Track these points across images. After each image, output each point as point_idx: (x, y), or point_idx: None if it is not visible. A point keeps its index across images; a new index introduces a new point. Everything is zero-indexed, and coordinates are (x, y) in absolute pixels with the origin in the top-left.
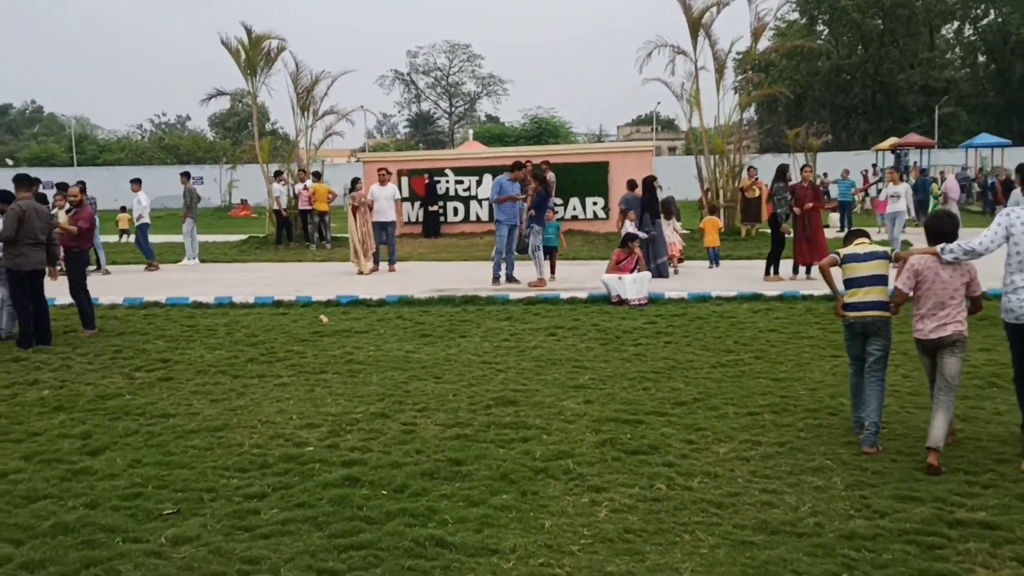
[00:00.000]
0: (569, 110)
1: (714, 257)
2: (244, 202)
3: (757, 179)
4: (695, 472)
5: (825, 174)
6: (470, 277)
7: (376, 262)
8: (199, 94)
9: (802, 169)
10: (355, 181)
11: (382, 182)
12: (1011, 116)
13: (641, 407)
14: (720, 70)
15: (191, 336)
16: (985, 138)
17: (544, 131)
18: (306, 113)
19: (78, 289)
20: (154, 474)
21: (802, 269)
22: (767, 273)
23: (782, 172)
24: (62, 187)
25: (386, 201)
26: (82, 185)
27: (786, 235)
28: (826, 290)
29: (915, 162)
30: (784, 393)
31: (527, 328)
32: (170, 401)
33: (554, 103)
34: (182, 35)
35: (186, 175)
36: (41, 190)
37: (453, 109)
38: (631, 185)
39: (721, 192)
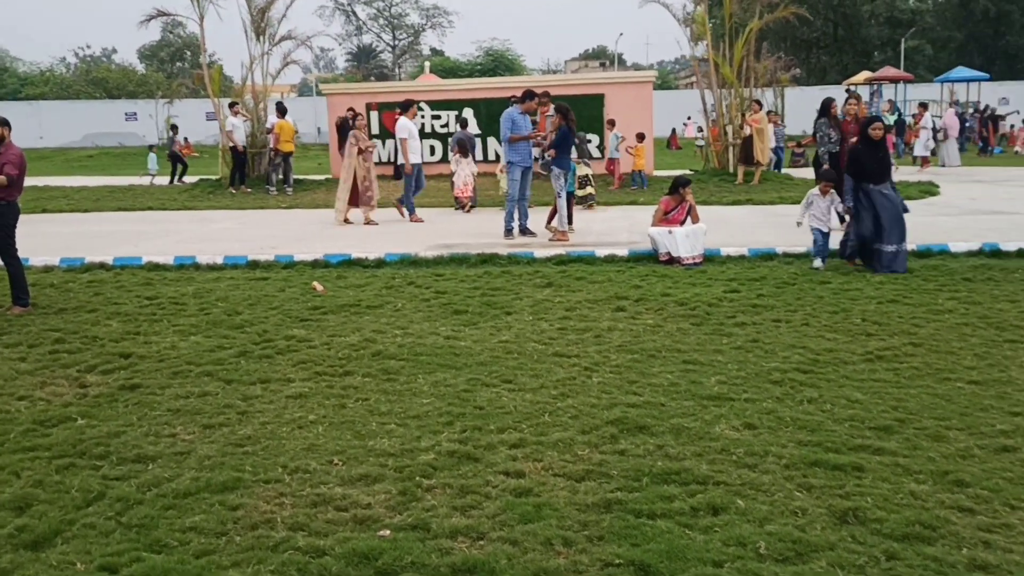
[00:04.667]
0: (516, 44)
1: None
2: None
3: (744, 115)
4: None
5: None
6: (472, 228)
7: (412, 211)
8: (125, 25)
9: (846, 101)
10: (356, 115)
11: (412, 115)
12: (973, 51)
13: (831, 435)
14: None
15: (154, 313)
16: (961, 72)
17: (500, 65)
18: (261, 38)
19: (7, 251)
20: None
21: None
22: None
23: (826, 107)
24: None
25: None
26: (2, 120)
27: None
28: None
29: (889, 99)
30: (1011, 406)
31: (582, 299)
32: (142, 429)
33: (500, 36)
34: None
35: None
36: None
37: (397, 42)
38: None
39: (730, 128)
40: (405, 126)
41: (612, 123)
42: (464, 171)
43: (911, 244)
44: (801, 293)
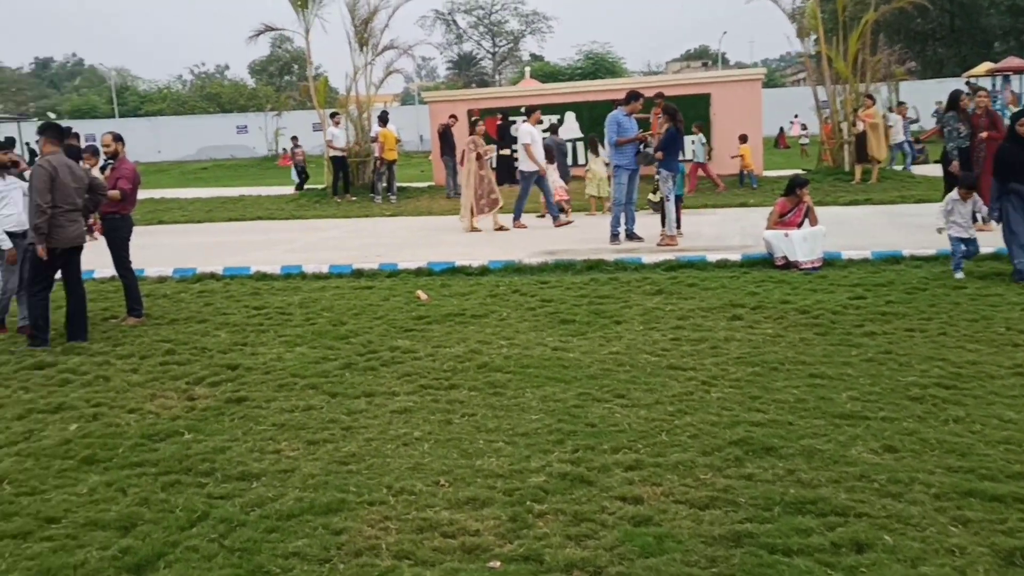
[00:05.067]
0: (616, 46)
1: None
2: (292, 148)
3: (856, 111)
4: None
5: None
6: (576, 234)
7: (518, 216)
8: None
9: (974, 94)
10: (475, 121)
11: (535, 120)
12: None
13: (984, 460)
14: None
15: (261, 324)
16: None
17: (600, 68)
18: (364, 48)
19: (122, 264)
20: None
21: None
22: None
23: (954, 99)
24: (91, 150)
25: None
26: (115, 135)
27: (956, 173)
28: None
29: (1012, 90)
30: None
31: (695, 308)
32: (247, 444)
33: (600, 39)
34: None
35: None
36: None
37: (496, 49)
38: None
39: (844, 124)
40: (528, 131)
41: (700, 127)
42: (552, 177)
43: None
44: (934, 299)
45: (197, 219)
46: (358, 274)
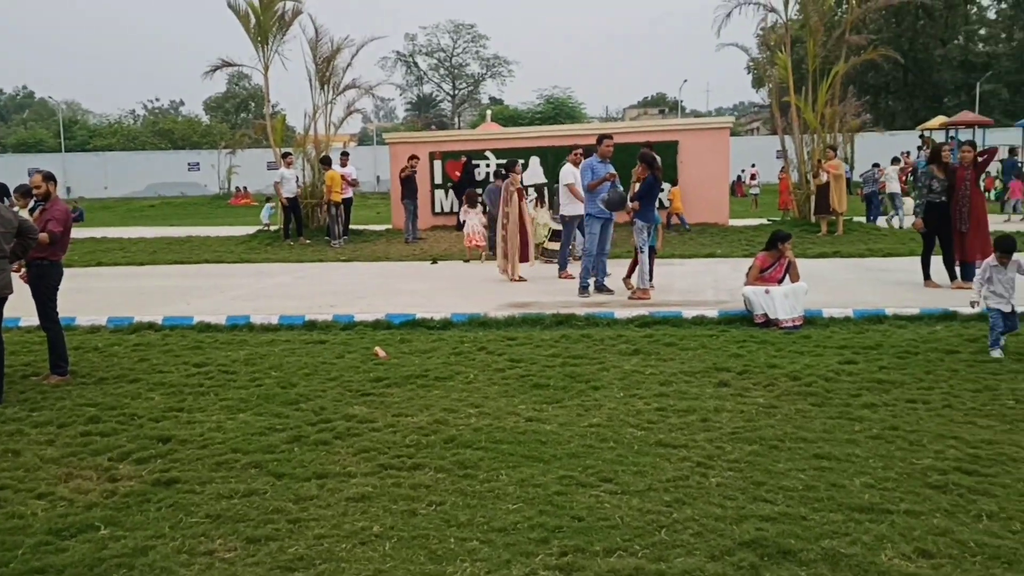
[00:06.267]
0: (575, 92)
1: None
2: (245, 189)
3: (820, 161)
4: None
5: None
6: (542, 285)
7: (564, 267)
8: (194, 79)
9: (959, 147)
10: (512, 162)
11: (576, 162)
12: None
13: None
14: (814, 32)
15: (200, 384)
16: None
17: (561, 112)
18: (325, 87)
19: (48, 315)
20: None
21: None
22: (926, 277)
23: (937, 152)
24: (22, 190)
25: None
26: (46, 174)
27: (919, 231)
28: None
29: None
30: None
31: (677, 371)
32: (175, 543)
33: (559, 84)
34: (177, 16)
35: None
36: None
37: (456, 91)
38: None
39: (809, 176)
40: (571, 171)
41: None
42: (472, 221)
43: None
44: (929, 365)
45: (139, 261)
46: (310, 326)
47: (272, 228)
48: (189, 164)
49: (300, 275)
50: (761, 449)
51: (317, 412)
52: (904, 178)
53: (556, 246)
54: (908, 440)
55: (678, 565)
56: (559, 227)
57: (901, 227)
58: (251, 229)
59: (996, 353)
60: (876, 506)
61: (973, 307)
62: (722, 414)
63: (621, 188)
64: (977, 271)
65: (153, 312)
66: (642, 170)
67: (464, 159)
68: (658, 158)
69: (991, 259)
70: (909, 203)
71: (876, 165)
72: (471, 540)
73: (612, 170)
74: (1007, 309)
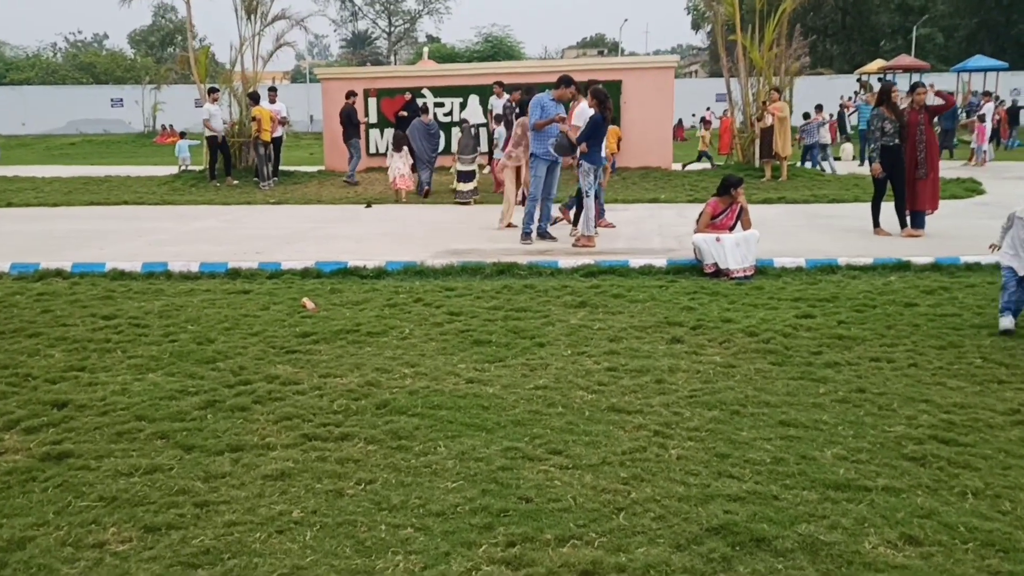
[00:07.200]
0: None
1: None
2: (171, 127)
3: (765, 103)
4: None
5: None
6: (481, 230)
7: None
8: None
9: (912, 90)
10: (523, 101)
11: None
12: (984, 40)
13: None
14: None
15: (107, 340)
16: (980, 60)
17: (499, 51)
18: (253, 17)
19: None
20: None
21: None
22: (875, 225)
23: (886, 93)
24: None
25: None
26: None
27: (876, 176)
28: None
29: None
30: None
31: (626, 326)
32: (60, 532)
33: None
34: None
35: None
36: None
37: (392, 29)
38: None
39: (752, 120)
40: (584, 112)
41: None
42: (396, 164)
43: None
44: (889, 320)
45: (52, 202)
46: (234, 274)
47: (193, 168)
48: (112, 100)
49: (226, 218)
50: (722, 415)
51: (236, 372)
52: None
53: (465, 187)
54: (877, 404)
55: (640, 557)
56: (466, 168)
57: (834, 172)
58: (175, 169)
59: (1007, 322)
60: (852, 483)
61: (991, 250)
62: (677, 374)
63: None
64: (1005, 221)
65: (62, 258)
66: (592, 105)
67: (408, 95)
68: (610, 96)
69: (1019, 209)
70: (848, 148)
71: (806, 116)
72: (405, 527)
73: (563, 112)
74: (1021, 272)
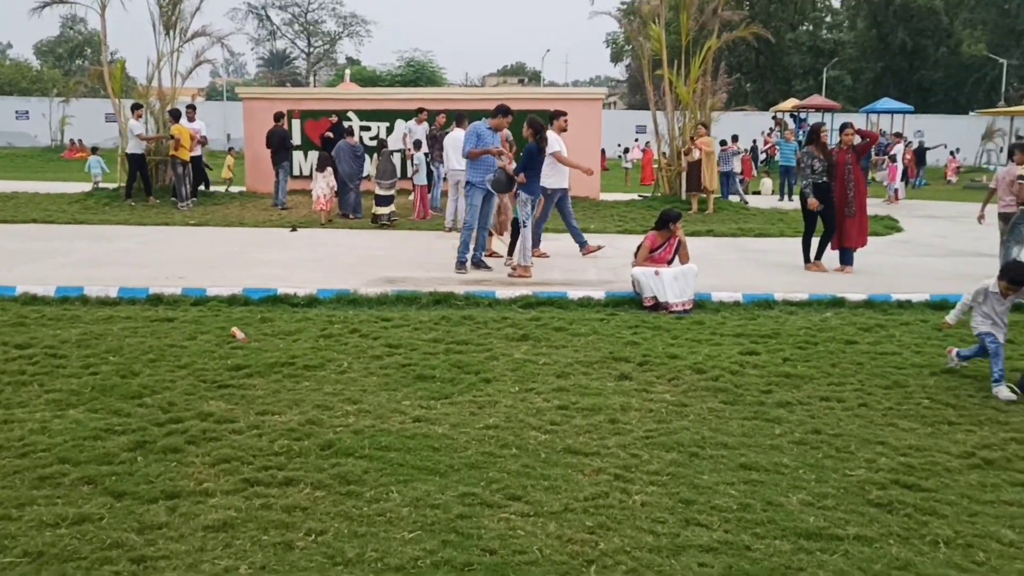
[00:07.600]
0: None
1: None
2: (80, 142)
3: (692, 138)
4: None
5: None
6: (414, 257)
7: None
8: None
9: (841, 130)
10: (541, 126)
11: (560, 128)
12: (889, 83)
13: None
14: (688, 5)
15: (22, 372)
16: (887, 103)
17: (421, 76)
18: (171, 33)
19: None
20: None
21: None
22: (806, 260)
23: (816, 132)
24: None
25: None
26: None
27: (814, 210)
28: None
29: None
30: None
31: (572, 361)
32: None
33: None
34: None
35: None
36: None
37: (312, 49)
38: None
39: (680, 153)
40: (557, 139)
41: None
42: (319, 184)
43: (925, 294)
44: (832, 357)
45: None
46: (155, 300)
47: (106, 185)
48: (17, 112)
49: (143, 240)
50: (681, 458)
51: (165, 409)
52: (771, 154)
53: (382, 211)
54: (834, 446)
55: None
56: (384, 193)
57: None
58: (87, 186)
59: (1003, 392)
60: (823, 531)
61: (943, 329)
62: (630, 413)
63: (502, 174)
64: (966, 295)
65: None
66: (528, 135)
67: (335, 118)
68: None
69: (991, 284)
70: (768, 182)
71: (723, 143)
72: None
73: (498, 143)
74: (1002, 339)
